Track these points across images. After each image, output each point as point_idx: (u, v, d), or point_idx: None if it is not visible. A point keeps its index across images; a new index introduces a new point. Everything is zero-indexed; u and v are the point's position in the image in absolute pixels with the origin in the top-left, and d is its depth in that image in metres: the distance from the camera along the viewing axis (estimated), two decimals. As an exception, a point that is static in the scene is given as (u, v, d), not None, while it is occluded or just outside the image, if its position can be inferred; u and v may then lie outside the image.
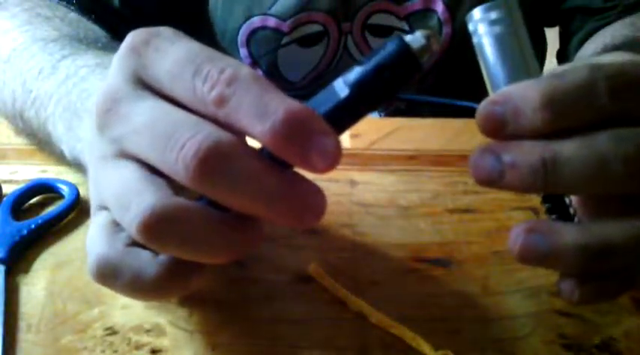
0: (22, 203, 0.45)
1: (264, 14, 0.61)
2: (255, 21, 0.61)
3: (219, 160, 0.27)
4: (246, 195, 0.28)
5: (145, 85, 0.31)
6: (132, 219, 0.28)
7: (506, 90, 0.30)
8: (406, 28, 0.62)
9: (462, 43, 0.61)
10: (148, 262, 0.30)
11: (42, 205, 0.45)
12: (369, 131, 0.51)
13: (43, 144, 0.47)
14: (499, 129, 0.30)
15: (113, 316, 0.38)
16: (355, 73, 0.29)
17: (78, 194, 0.44)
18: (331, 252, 0.42)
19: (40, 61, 0.47)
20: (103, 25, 0.56)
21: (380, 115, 0.67)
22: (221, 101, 0.28)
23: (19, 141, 0.50)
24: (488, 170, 0.30)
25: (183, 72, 0.29)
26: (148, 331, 0.37)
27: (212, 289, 0.40)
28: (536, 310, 0.39)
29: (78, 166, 0.42)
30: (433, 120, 0.53)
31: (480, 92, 0.33)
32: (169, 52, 0.30)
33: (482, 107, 0.30)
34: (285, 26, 0.61)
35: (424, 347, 0.36)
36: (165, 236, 0.29)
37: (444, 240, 0.43)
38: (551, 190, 0.31)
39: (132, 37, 0.31)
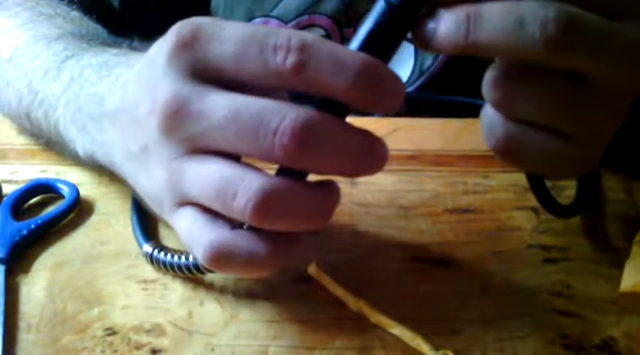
0: (22, 203, 0.45)
1: (266, 16, 0.61)
2: (257, 22, 0.61)
3: (313, 136, 0.30)
4: (337, 159, 0.31)
5: (205, 78, 0.31)
6: (244, 203, 0.30)
7: None
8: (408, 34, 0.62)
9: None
10: (257, 240, 0.32)
11: (42, 205, 0.45)
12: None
13: (52, 143, 0.47)
14: None
15: (113, 316, 0.38)
16: None
17: (78, 194, 0.44)
18: (331, 252, 0.42)
19: (45, 62, 0.46)
20: (103, 25, 0.56)
21: None
22: (299, 67, 0.29)
23: (19, 141, 0.50)
24: (426, 31, 0.32)
25: (248, 50, 0.30)
26: (148, 331, 0.37)
27: (212, 289, 0.40)
28: (536, 310, 0.39)
29: (93, 165, 0.42)
30: (433, 120, 0.53)
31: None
32: (224, 37, 0.31)
33: None
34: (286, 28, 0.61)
35: (424, 347, 0.36)
36: (276, 212, 0.31)
37: (444, 240, 0.43)
38: (473, 48, 0.31)
39: (176, 35, 0.32)
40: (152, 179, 0.34)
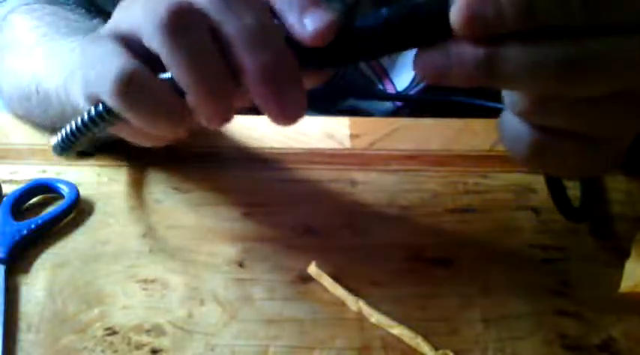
0: (22, 203, 0.45)
1: None
2: None
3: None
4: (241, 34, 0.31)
5: None
6: (165, 7, 0.31)
7: None
8: None
9: None
10: (173, 88, 0.33)
11: (42, 205, 0.45)
12: (369, 131, 0.51)
13: (57, 112, 0.46)
14: (480, 27, 0.30)
15: (113, 316, 0.38)
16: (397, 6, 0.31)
17: (78, 194, 0.44)
18: (331, 252, 0.42)
19: (78, 39, 0.47)
20: None
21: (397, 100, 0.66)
22: None
23: (19, 141, 0.50)
24: (436, 64, 0.30)
25: None
26: (148, 331, 0.37)
27: (212, 289, 0.40)
28: (536, 310, 0.39)
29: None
30: (433, 120, 0.53)
31: (484, 94, 0.34)
32: None
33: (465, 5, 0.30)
34: None
35: (424, 347, 0.36)
36: (190, 26, 0.32)
37: (444, 240, 0.43)
38: (492, 83, 0.31)
39: None
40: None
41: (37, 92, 0.47)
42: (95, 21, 0.56)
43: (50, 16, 0.54)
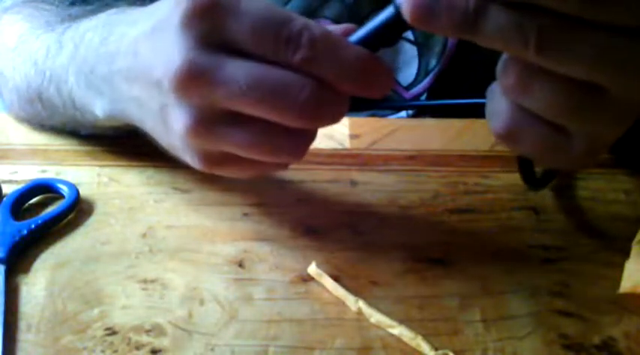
0: (22, 203, 0.45)
1: None
2: None
3: (322, 105, 0.33)
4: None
5: (220, 46, 0.33)
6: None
7: None
8: (410, 37, 0.62)
9: (466, 46, 0.61)
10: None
11: (42, 205, 0.45)
12: (369, 131, 0.51)
13: (68, 119, 0.47)
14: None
15: (113, 316, 0.38)
16: None
17: (78, 194, 0.44)
18: (331, 252, 0.42)
19: (45, 40, 0.47)
20: None
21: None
22: (306, 63, 0.32)
23: (19, 141, 0.50)
24: (425, 6, 0.31)
25: (263, 34, 0.32)
26: (148, 331, 0.37)
27: (212, 289, 0.40)
28: (536, 310, 0.39)
29: (112, 127, 0.45)
30: (433, 120, 0.53)
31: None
32: (242, 12, 0.32)
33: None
34: None
35: (424, 347, 0.36)
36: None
37: (444, 240, 0.43)
38: (474, 37, 0.31)
39: (189, 3, 0.32)
40: (172, 136, 0.36)
41: (40, 100, 0.47)
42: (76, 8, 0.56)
43: (30, 8, 0.54)
